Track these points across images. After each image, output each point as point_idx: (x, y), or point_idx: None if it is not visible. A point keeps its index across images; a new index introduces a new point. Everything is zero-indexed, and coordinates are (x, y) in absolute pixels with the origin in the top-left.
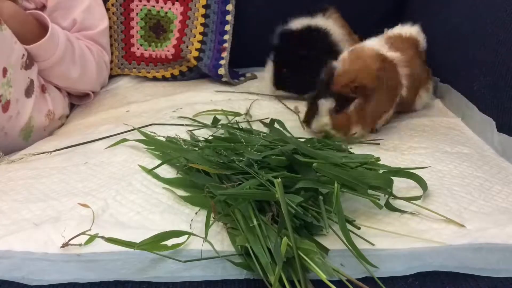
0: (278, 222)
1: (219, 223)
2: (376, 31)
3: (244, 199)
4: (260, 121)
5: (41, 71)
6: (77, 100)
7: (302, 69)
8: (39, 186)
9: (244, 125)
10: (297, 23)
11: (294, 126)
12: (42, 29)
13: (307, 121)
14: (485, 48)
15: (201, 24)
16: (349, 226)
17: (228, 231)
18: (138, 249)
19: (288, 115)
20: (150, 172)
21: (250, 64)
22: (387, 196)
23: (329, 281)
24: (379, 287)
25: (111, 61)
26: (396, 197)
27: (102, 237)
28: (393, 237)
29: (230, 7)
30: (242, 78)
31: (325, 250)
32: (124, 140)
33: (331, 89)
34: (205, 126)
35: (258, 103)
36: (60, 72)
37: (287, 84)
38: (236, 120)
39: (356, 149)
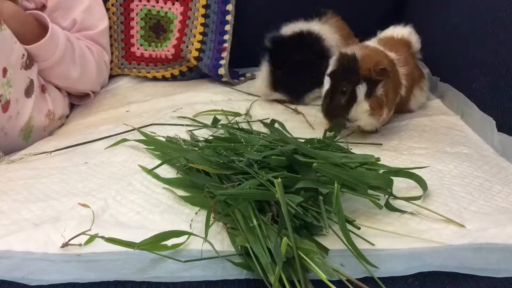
0: (278, 222)
1: (219, 223)
2: (373, 32)
3: (244, 199)
4: (260, 121)
5: (41, 71)
6: (77, 100)
7: (296, 72)
8: (39, 186)
9: (244, 126)
10: (290, 28)
11: (294, 127)
12: (42, 29)
13: (333, 115)
14: (485, 48)
15: (201, 24)
16: (349, 226)
17: (228, 231)
18: (138, 249)
19: (288, 115)
20: (150, 172)
21: (250, 64)
22: (387, 196)
23: (329, 281)
24: (379, 287)
25: (111, 61)
26: (396, 197)
27: (102, 237)
28: (393, 237)
29: (230, 7)
30: (242, 78)
31: (325, 250)
32: (124, 140)
33: (353, 76)
34: (205, 126)
35: (258, 103)
36: (60, 72)
37: (282, 85)
38: (236, 120)
39: (356, 149)
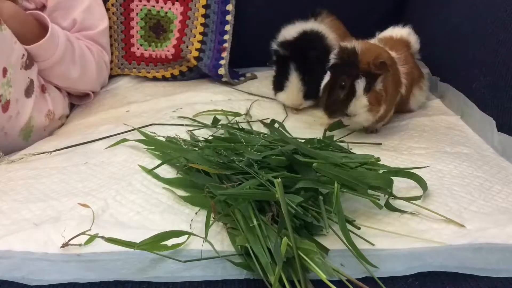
0: (278, 222)
1: (219, 223)
2: (373, 32)
3: (244, 199)
4: (260, 121)
5: (41, 71)
6: (77, 100)
7: (318, 74)
8: (39, 186)
9: (244, 126)
10: (292, 30)
11: (294, 127)
12: (42, 29)
13: (334, 109)
14: (485, 48)
15: (201, 24)
16: (349, 226)
17: (228, 231)
18: (138, 249)
19: (288, 115)
20: (150, 172)
21: (250, 64)
22: (387, 196)
23: (329, 281)
24: (379, 287)
25: (111, 61)
26: (396, 197)
27: (102, 237)
28: (393, 237)
29: (230, 7)
30: (242, 78)
31: (325, 250)
32: (124, 140)
33: (352, 70)
34: (205, 126)
35: (258, 104)
36: (60, 72)
37: (313, 92)
38: (236, 121)
39: (356, 149)
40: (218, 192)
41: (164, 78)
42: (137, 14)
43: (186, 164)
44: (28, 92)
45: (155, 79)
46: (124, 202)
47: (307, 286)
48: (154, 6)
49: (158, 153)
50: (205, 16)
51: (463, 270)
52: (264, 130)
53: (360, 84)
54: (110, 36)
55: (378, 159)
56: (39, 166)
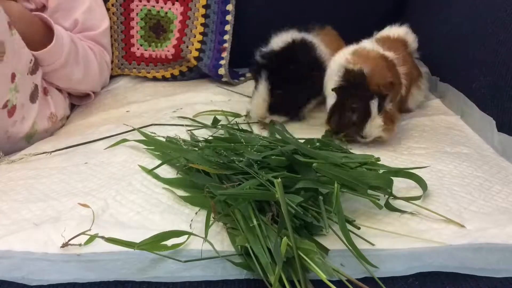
0: (278, 222)
1: (219, 223)
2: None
3: (244, 199)
4: (260, 121)
5: (45, 74)
6: (78, 101)
7: (296, 88)
8: (39, 186)
9: (244, 126)
10: (280, 40)
11: (293, 127)
12: (48, 30)
13: (346, 132)
14: (485, 48)
15: (201, 24)
16: (349, 226)
17: (228, 231)
18: (138, 249)
19: None
20: (150, 172)
21: (250, 64)
22: (387, 196)
23: (329, 281)
24: (379, 287)
25: (111, 61)
26: (396, 197)
27: (102, 237)
28: (393, 237)
29: (230, 7)
30: (242, 78)
31: (325, 250)
32: (124, 140)
33: (362, 92)
34: (205, 126)
35: None
36: (64, 74)
37: (280, 107)
38: (236, 121)
39: (356, 149)
40: (218, 192)
41: (164, 78)
42: (137, 14)
43: (186, 164)
44: (33, 97)
45: (155, 79)
46: (124, 202)
47: (307, 286)
48: (154, 6)
49: (158, 153)
50: (205, 16)
51: (463, 270)
52: (264, 130)
53: (375, 105)
54: (110, 36)
55: (378, 159)
56: (39, 166)
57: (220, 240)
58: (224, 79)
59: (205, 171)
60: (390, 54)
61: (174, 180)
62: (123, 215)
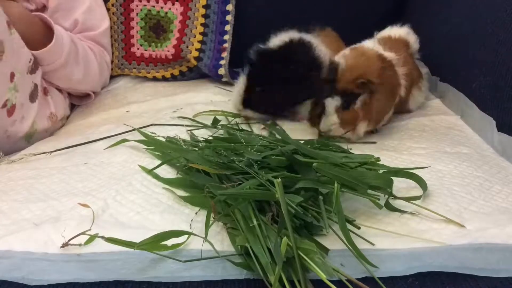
0: (278, 222)
1: (219, 223)
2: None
3: (244, 199)
4: (260, 121)
5: (45, 74)
6: (78, 101)
7: (278, 90)
8: (39, 186)
9: (244, 126)
10: (278, 40)
11: (293, 128)
12: (47, 30)
13: (314, 122)
14: (485, 48)
15: (201, 24)
16: (349, 226)
17: (228, 231)
18: (138, 249)
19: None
20: (150, 172)
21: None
22: (387, 196)
23: (329, 281)
24: (379, 287)
25: (112, 61)
26: (396, 197)
27: (102, 237)
28: (393, 237)
29: (230, 7)
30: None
31: (325, 250)
32: (124, 140)
33: (336, 87)
34: (205, 126)
35: None
36: (64, 74)
37: (258, 104)
38: (236, 121)
39: (356, 150)
40: (218, 192)
41: (164, 78)
42: (137, 14)
43: (186, 164)
44: (33, 97)
45: (155, 79)
46: (124, 202)
47: (307, 286)
48: (154, 6)
49: (158, 153)
50: (205, 16)
51: (463, 270)
52: (264, 130)
53: (331, 103)
54: (111, 36)
55: (378, 159)
56: (39, 166)
57: (220, 240)
58: (224, 79)
59: (205, 171)
60: (390, 55)
61: (174, 180)
62: (123, 215)
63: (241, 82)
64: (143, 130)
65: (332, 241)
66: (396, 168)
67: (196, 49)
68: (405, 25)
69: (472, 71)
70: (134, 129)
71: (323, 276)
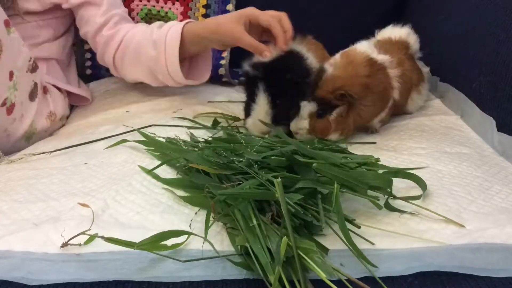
0: (281, 222)
1: (219, 223)
2: (373, 32)
3: (244, 199)
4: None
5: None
6: (78, 101)
7: (291, 99)
8: (39, 186)
9: (243, 129)
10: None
11: None
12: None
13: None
14: (485, 48)
15: None
16: (349, 226)
17: (228, 231)
18: (138, 249)
19: None
20: (150, 172)
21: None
22: (386, 196)
23: (329, 280)
24: (379, 287)
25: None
26: (395, 197)
27: (102, 237)
28: (393, 237)
29: (230, 7)
30: (242, 78)
31: (325, 249)
32: (124, 140)
33: (316, 93)
34: (205, 127)
35: None
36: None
37: (281, 117)
38: (236, 124)
39: (356, 150)
40: (218, 192)
41: None
42: (137, 14)
43: (186, 164)
44: (32, 96)
45: None
46: (124, 202)
47: (307, 286)
48: (154, 6)
49: (158, 153)
50: (205, 16)
51: (463, 270)
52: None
53: (306, 107)
54: None
55: (377, 159)
56: (39, 166)
57: (220, 240)
58: (224, 79)
59: (205, 171)
60: (382, 57)
61: (174, 180)
62: (123, 215)
63: (262, 101)
64: (143, 130)
65: (332, 241)
66: (396, 168)
67: None
68: (405, 25)
69: (472, 71)
70: (134, 130)
71: (323, 276)
